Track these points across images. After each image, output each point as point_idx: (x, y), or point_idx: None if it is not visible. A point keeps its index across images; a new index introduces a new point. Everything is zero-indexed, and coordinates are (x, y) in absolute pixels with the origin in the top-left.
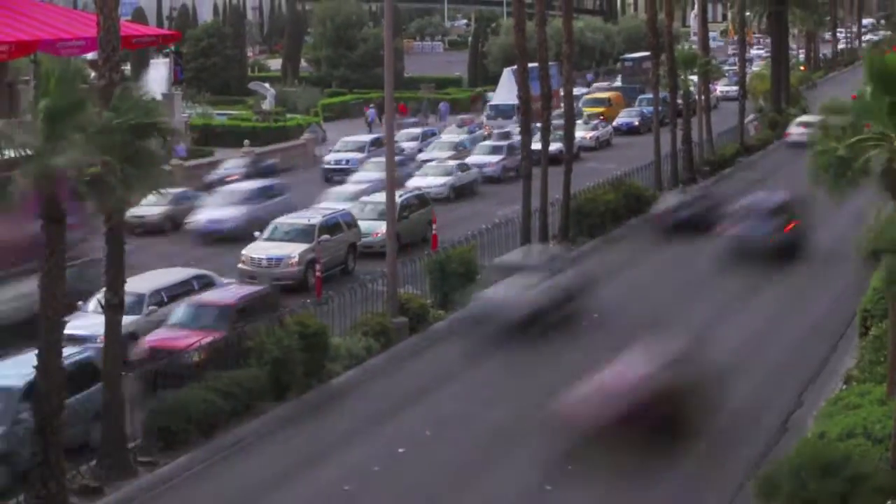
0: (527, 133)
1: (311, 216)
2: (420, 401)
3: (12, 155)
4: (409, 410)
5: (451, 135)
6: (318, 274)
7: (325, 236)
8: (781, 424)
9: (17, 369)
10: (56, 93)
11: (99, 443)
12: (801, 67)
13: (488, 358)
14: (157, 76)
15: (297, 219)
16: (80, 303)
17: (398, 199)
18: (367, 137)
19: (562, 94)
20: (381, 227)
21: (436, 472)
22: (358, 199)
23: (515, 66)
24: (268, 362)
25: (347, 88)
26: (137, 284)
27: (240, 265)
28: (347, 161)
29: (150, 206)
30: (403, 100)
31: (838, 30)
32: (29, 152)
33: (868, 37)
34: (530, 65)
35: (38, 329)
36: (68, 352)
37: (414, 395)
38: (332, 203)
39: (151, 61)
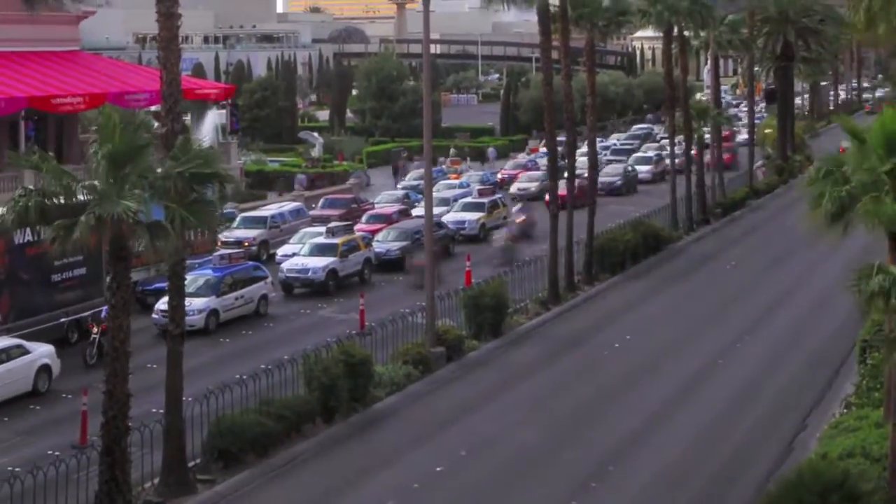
0: (554, 179)
1: None
2: (456, 423)
3: (82, 198)
4: (447, 432)
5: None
6: (361, 307)
7: None
8: (787, 445)
9: None
10: (118, 139)
11: None
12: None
13: (520, 383)
14: (215, 126)
15: None
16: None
17: None
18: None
19: None
20: None
21: (471, 489)
22: None
23: None
24: (317, 388)
25: (389, 137)
26: None
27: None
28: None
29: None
30: (441, 148)
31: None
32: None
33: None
34: None
35: None
36: None
37: (451, 418)
38: None
39: (209, 112)
